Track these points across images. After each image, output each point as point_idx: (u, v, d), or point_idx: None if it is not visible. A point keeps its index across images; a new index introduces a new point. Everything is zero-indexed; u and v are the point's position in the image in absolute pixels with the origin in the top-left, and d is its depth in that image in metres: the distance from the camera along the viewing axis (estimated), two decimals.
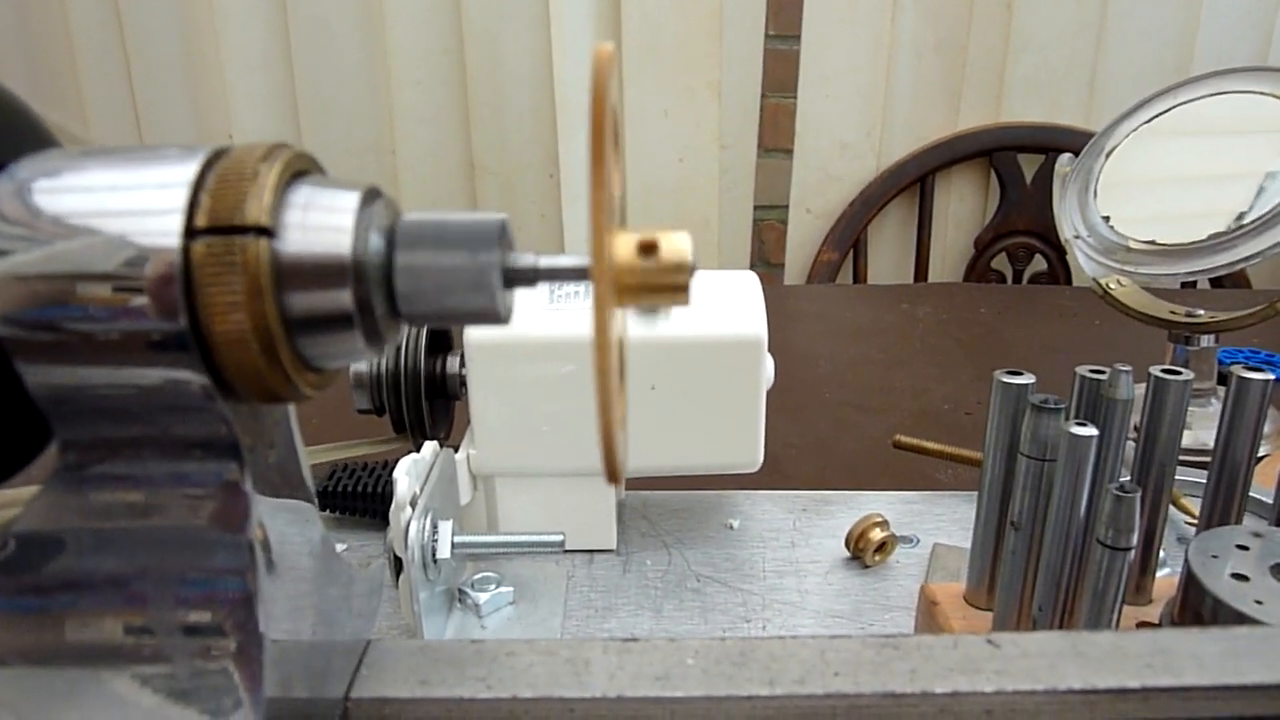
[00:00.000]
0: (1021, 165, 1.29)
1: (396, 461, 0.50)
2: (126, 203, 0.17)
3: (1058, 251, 1.29)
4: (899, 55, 1.28)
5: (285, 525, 0.19)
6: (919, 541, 0.47)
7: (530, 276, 0.18)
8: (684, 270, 0.16)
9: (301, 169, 0.19)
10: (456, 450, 0.44)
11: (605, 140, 0.14)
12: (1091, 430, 0.29)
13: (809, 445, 0.64)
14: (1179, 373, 0.34)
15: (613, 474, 0.15)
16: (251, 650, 0.17)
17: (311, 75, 1.28)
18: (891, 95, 1.30)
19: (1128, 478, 0.36)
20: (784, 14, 1.27)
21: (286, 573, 0.18)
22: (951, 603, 0.36)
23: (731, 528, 0.49)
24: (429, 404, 0.46)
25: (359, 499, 0.49)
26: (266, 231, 0.17)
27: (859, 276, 1.34)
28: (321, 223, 0.18)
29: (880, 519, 0.46)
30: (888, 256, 1.38)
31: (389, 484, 0.49)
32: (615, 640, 0.20)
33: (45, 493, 0.18)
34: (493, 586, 0.42)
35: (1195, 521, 0.47)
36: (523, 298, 0.23)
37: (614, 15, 1.22)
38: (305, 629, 0.19)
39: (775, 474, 0.58)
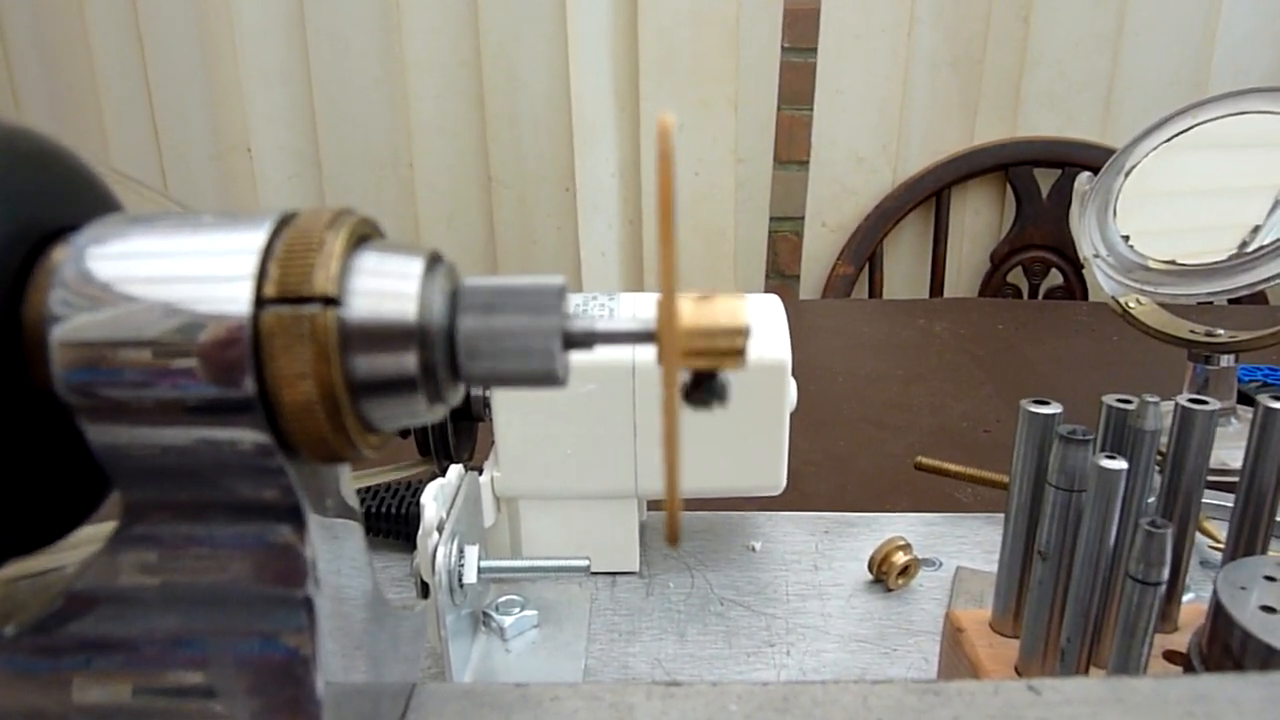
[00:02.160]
0: (1037, 179, 1.29)
1: (420, 483, 0.51)
2: (192, 269, 0.18)
3: (1074, 266, 1.29)
4: (915, 69, 1.29)
5: (342, 579, 0.19)
6: (942, 564, 0.48)
7: (589, 340, 0.18)
8: (741, 334, 0.16)
9: (365, 234, 0.19)
10: (480, 472, 0.45)
11: (674, 209, 0.15)
12: (1121, 464, 0.29)
13: (828, 463, 0.64)
14: (1205, 402, 0.34)
15: (673, 537, 0.15)
16: (308, 707, 0.18)
17: (329, 89, 1.30)
18: (907, 109, 1.30)
19: (1152, 499, 0.36)
20: (800, 26, 1.28)
21: (341, 624, 0.19)
22: (977, 630, 0.36)
23: (753, 550, 0.49)
24: (453, 426, 0.46)
25: (384, 520, 0.49)
26: (333, 301, 0.18)
27: (875, 290, 1.34)
28: (387, 289, 0.18)
29: (903, 542, 0.46)
30: (904, 270, 1.38)
31: (413, 505, 0.49)
32: (659, 684, 0.20)
33: (107, 551, 0.18)
34: (517, 610, 0.42)
35: (1217, 545, 0.47)
36: None
37: (630, 30, 1.23)
38: (356, 676, 0.20)
39: (795, 492, 0.58)
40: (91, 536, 0.20)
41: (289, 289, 0.17)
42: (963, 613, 0.38)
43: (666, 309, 0.15)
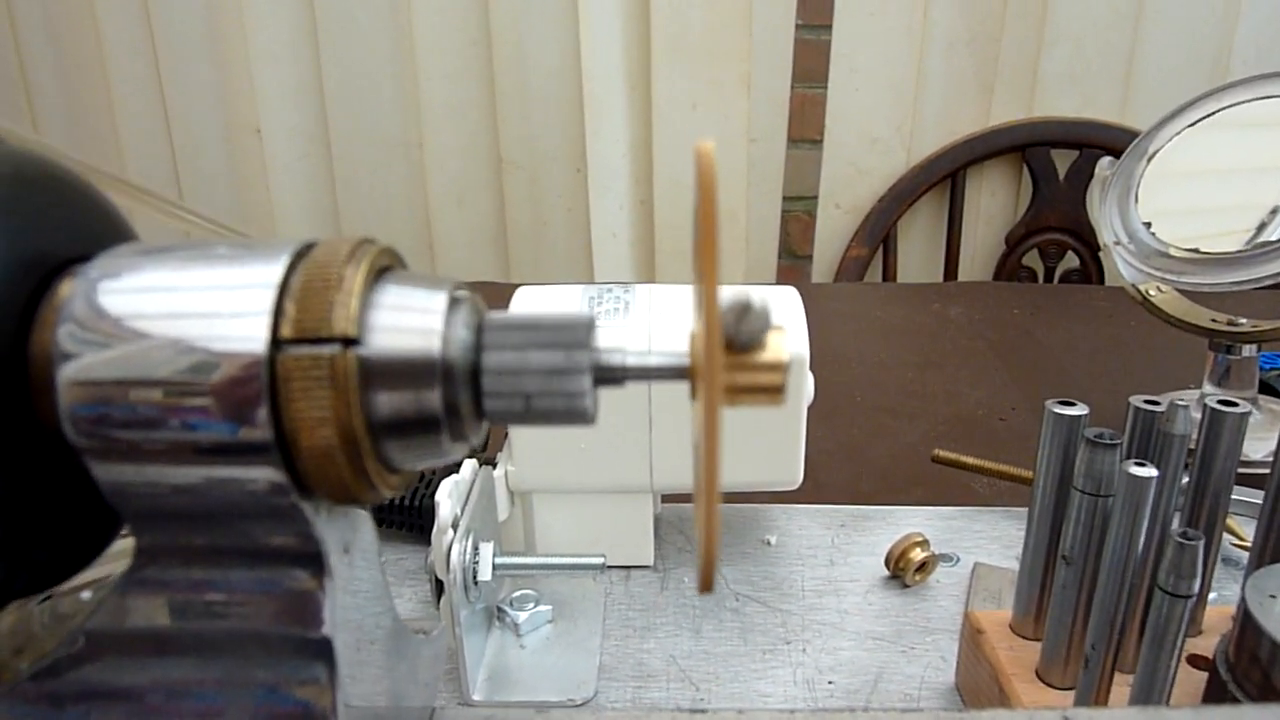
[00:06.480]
0: (1054, 161, 1.27)
1: (433, 475, 0.50)
2: (206, 305, 0.17)
3: (1090, 249, 1.28)
4: (931, 48, 1.27)
5: (364, 617, 0.19)
6: (959, 560, 0.47)
7: (619, 376, 0.18)
8: (780, 370, 0.15)
9: (385, 265, 0.18)
10: (494, 466, 0.44)
11: (716, 244, 0.14)
12: (1152, 471, 0.28)
13: (842, 452, 0.63)
14: (1234, 404, 0.33)
15: (707, 585, 0.15)
16: None
17: (338, 68, 1.28)
18: (923, 88, 1.28)
19: (1181, 499, 0.35)
20: (815, 3, 1.26)
21: (362, 661, 0.18)
22: (998, 632, 0.36)
23: (769, 544, 0.49)
24: None
25: (396, 512, 0.49)
26: (353, 341, 0.17)
27: (888, 273, 1.33)
28: (410, 325, 0.17)
29: (920, 538, 0.45)
30: (918, 252, 1.36)
31: (425, 497, 0.49)
32: (683, 711, 0.20)
33: (117, 591, 0.18)
34: (531, 605, 0.42)
35: (1241, 544, 0.47)
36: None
37: (642, 8, 1.21)
38: (379, 707, 0.19)
39: (809, 482, 0.57)
40: (113, 553, 0.20)
41: (307, 329, 0.17)
42: (983, 614, 0.37)
43: (710, 347, 0.14)
